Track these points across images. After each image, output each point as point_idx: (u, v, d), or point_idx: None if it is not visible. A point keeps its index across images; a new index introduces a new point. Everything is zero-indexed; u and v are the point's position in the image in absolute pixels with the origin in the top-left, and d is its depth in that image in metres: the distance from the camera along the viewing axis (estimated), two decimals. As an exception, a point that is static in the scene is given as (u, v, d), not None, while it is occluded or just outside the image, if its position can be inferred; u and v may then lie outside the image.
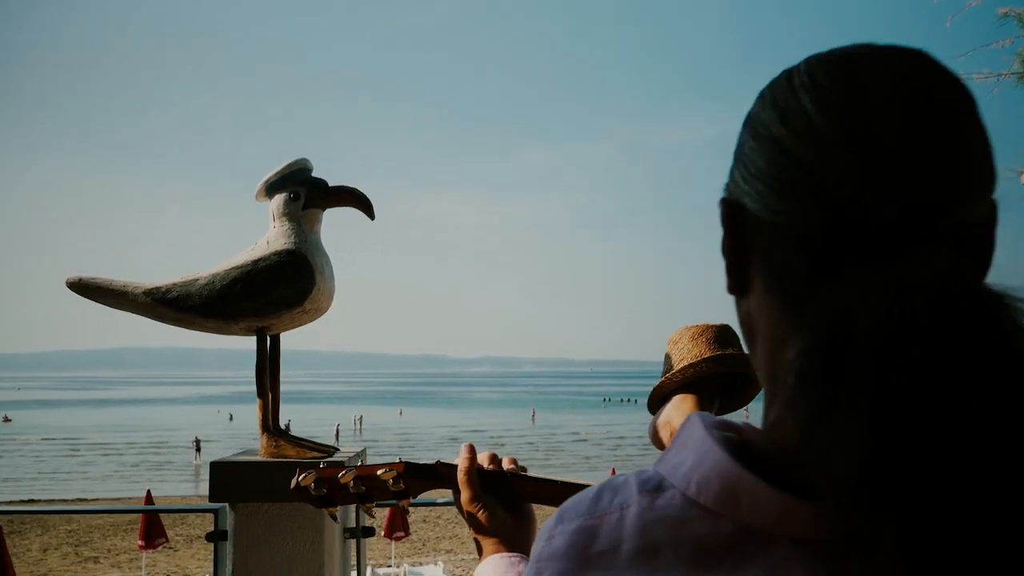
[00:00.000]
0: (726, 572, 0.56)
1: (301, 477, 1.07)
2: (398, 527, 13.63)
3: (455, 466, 1.07)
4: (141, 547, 13.95)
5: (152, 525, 13.94)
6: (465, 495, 1.05)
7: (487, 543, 1.05)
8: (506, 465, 1.10)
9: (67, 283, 2.03)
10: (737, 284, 0.64)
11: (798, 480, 0.53)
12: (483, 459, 1.10)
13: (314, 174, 2.08)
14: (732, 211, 0.62)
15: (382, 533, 13.17)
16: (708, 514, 0.58)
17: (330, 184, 2.07)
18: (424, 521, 19.42)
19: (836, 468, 0.50)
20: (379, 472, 1.08)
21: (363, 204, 2.06)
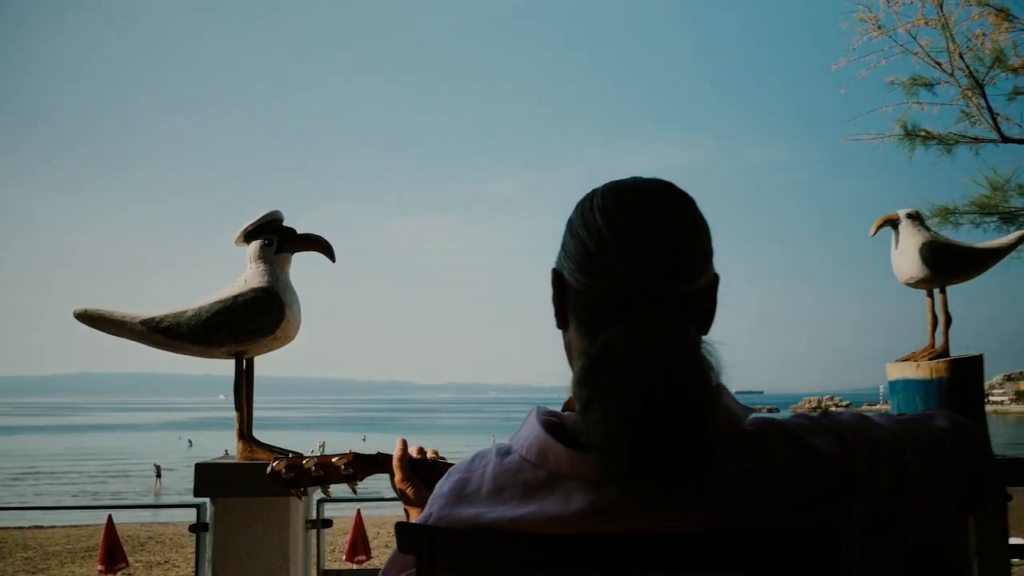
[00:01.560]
0: (540, 499, 0.94)
1: (275, 463, 1.40)
2: (360, 551, 13.80)
3: (392, 455, 1.40)
4: (101, 572, 13.97)
5: (112, 550, 13.95)
6: (398, 476, 1.35)
7: (413, 512, 1.32)
8: (430, 455, 1.49)
9: (74, 314, 2.41)
10: (560, 323, 1.05)
11: (581, 443, 0.92)
12: (413, 451, 1.49)
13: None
14: (557, 277, 1.04)
15: (343, 557, 13.35)
16: (532, 466, 0.97)
17: (298, 232, 2.49)
18: (387, 546, 19.58)
19: (595, 435, 0.91)
20: (334, 459, 1.40)
21: (325, 249, 2.48)
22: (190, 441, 60.50)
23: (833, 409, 1.02)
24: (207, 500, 2.40)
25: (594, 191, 1.03)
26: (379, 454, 1.42)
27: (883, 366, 2.64)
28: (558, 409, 1.07)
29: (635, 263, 0.94)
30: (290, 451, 2.46)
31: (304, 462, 1.42)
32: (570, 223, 1.02)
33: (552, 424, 0.97)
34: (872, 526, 0.91)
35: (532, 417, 1.00)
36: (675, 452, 0.84)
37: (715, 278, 1.01)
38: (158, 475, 36.09)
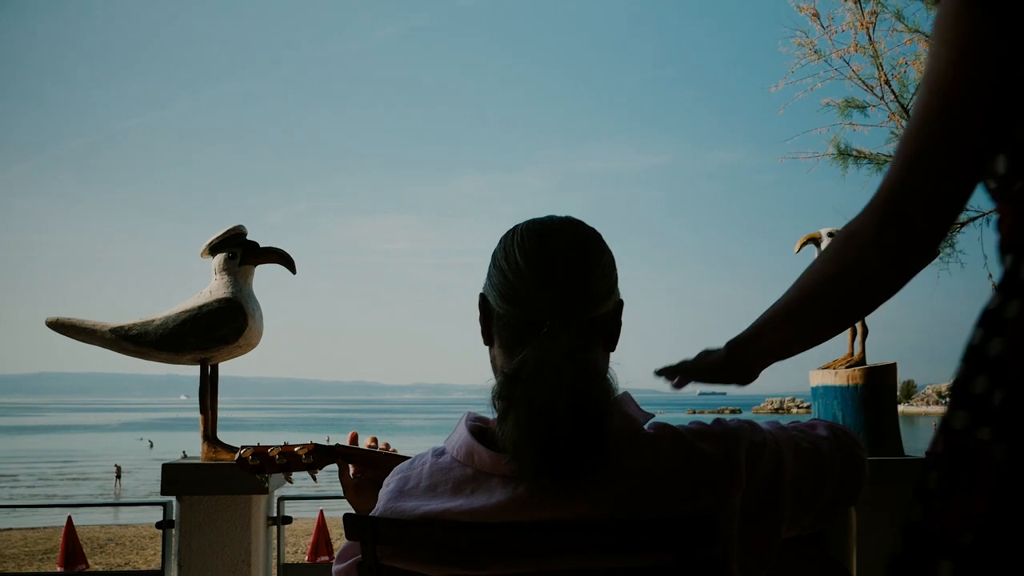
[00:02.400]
0: (467, 494, 1.10)
1: (243, 451, 1.57)
2: (322, 551, 13.88)
3: (347, 446, 1.58)
4: (60, 573, 13.88)
5: (72, 551, 13.86)
6: (340, 467, 1.58)
7: (348, 495, 1.56)
8: (381, 446, 1.61)
9: (46, 322, 2.54)
10: (486, 340, 1.22)
11: (500, 446, 1.11)
12: (368, 441, 1.64)
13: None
14: (483, 301, 1.21)
15: (306, 558, 13.42)
16: (461, 465, 1.15)
17: (261, 245, 2.64)
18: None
19: (509, 440, 1.05)
20: (296, 449, 1.57)
21: (286, 262, 2.63)
22: (151, 442, 59.83)
23: (728, 417, 1.23)
24: (173, 498, 2.54)
25: (515, 228, 1.20)
26: (337, 445, 1.58)
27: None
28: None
29: (546, 293, 1.11)
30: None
31: (269, 450, 1.57)
32: (494, 256, 1.19)
33: (478, 429, 1.15)
34: (749, 516, 1.10)
35: (462, 423, 1.18)
36: (573, 454, 1.02)
37: (619, 304, 1.19)
38: (118, 476, 35.71)
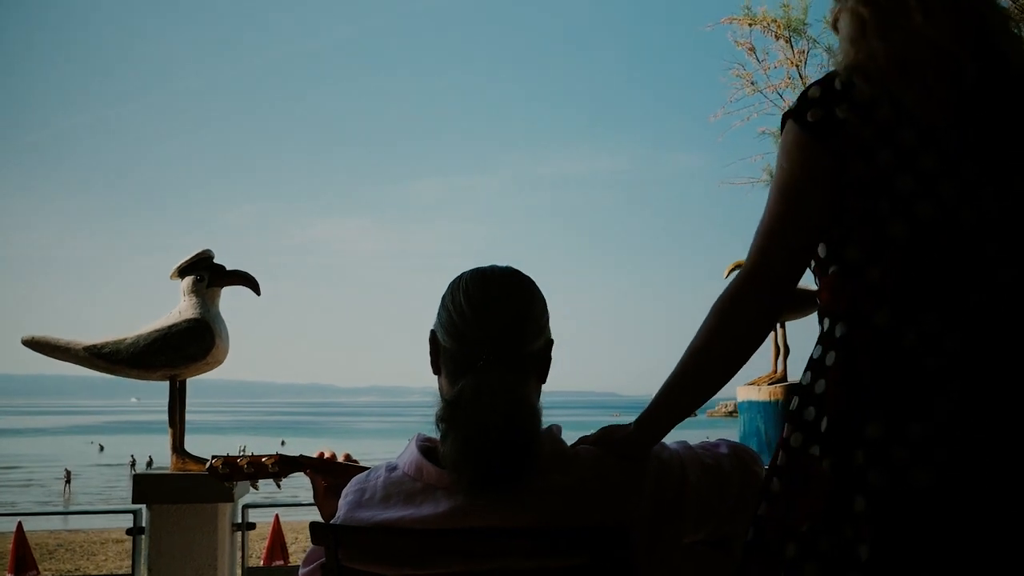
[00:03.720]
0: (417, 504, 1.25)
1: (214, 460, 1.70)
2: (277, 556, 13.90)
3: (309, 456, 1.69)
4: (9, 581, 13.73)
5: (23, 557, 13.70)
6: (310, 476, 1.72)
7: (319, 497, 1.70)
8: (342, 458, 1.72)
9: (22, 341, 2.69)
10: (435, 370, 1.41)
11: (443, 462, 1.25)
12: (327, 453, 1.76)
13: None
14: (433, 337, 1.40)
15: (261, 562, 13.44)
16: (411, 479, 1.31)
17: (227, 268, 2.82)
18: (304, 551, 19.56)
19: (449, 458, 1.20)
20: (263, 459, 1.70)
21: (251, 284, 2.82)
22: (101, 446, 58.78)
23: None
24: (143, 506, 2.69)
25: (462, 275, 1.40)
26: (301, 456, 1.74)
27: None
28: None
29: (485, 332, 1.31)
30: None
31: (238, 460, 1.72)
32: (444, 298, 1.39)
33: (427, 448, 1.34)
34: (656, 523, 1.32)
35: (413, 442, 1.37)
36: (503, 470, 1.22)
37: (549, 342, 1.40)
38: (68, 481, 35.10)
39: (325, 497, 1.70)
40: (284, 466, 1.72)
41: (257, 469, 1.72)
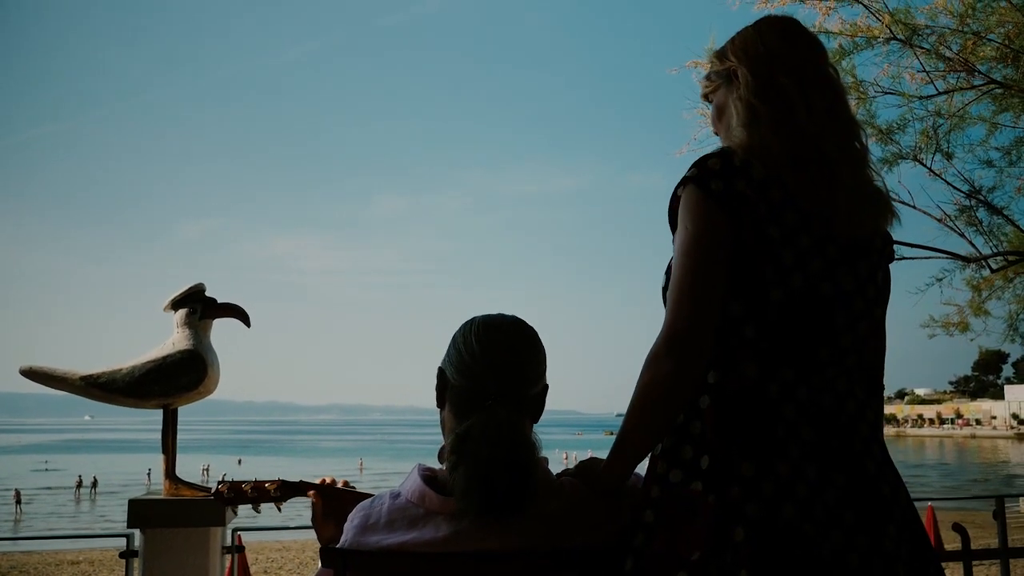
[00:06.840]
0: (419, 529, 1.37)
1: (220, 485, 1.83)
2: (239, 576, 13.87)
3: (308, 482, 1.81)
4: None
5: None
6: (317, 503, 1.81)
7: (318, 522, 1.80)
8: (340, 483, 1.86)
9: (20, 371, 2.78)
10: (439, 404, 1.56)
11: (447, 490, 1.39)
12: (328, 480, 1.89)
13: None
14: (441, 373, 1.54)
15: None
16: (414, 505, 1.46)
17: (219, 301, 2.94)
18: (265, 572, 19.47)
19: (458, 486, 1.35)
20: (266, 484, 1.83)
21: (242, 316, 2.94)
22: (45, 463, 57.47)
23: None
24: (136, 531, 2.79)
25: (474, 319, 1.56)
26: (302, 481, 1.86)
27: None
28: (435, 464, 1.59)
29: (492, 374, 1.47)
30: (210, 488, 2.89)
31: (243, 485, 1.85)
32: (454, 339, 1.54)
33: (428, 476, 1.49)
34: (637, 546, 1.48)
35: (415, 472, 1.52)
36: (509, 496, 1.37)
37: (545, 387, 1.56)
38: (18, 501, 34.29)
39: (323, 520, 1.84)
40: (286, 491, 1.85)
41: (260, 494, 1.84)
